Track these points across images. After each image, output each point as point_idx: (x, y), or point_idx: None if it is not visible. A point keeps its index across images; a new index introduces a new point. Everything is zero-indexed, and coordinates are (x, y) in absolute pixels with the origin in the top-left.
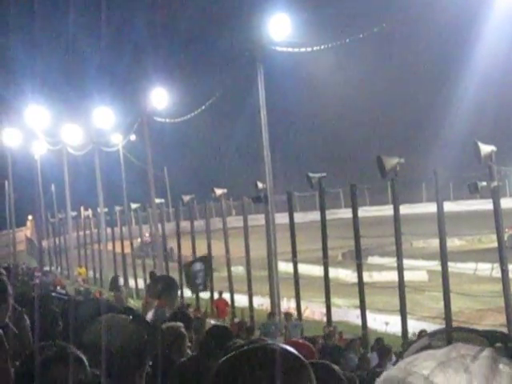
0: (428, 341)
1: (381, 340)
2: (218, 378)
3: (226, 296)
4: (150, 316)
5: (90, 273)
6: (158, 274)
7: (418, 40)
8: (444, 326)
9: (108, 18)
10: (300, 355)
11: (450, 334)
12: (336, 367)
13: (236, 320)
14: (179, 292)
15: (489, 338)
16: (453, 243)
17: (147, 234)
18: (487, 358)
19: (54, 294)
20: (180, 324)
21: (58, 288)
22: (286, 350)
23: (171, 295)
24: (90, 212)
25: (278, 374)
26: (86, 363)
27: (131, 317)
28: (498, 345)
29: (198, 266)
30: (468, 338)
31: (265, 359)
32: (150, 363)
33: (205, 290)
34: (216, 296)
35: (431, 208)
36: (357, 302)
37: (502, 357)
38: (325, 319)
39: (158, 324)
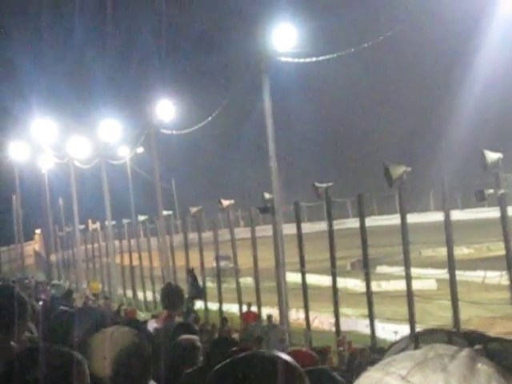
0: (408, 342)
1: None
2: None
3: (235, 307)
4: (159, 327)
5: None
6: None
7: (422, 47)
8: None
9: (114, 31)
10: (294, 362)
11: (429, 336)
12: (335, 374)
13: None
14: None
15: (468, 340)
16: (461, 251)
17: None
18: (465, 358)
19: (62, 307)
20: (195, 337)
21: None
22: (279, 357)
23: (179, 306)
24: (97, 225)
25: (270, 379)
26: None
27: (136, 330)
28: (478, 346)
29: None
30: (447, 340)
31: (257, 366)
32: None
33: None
34: (232, 308)
35: (439, 216)
36: (366, 311)
37: (480, 356)
38: (334, 329)
39: (164, 337)
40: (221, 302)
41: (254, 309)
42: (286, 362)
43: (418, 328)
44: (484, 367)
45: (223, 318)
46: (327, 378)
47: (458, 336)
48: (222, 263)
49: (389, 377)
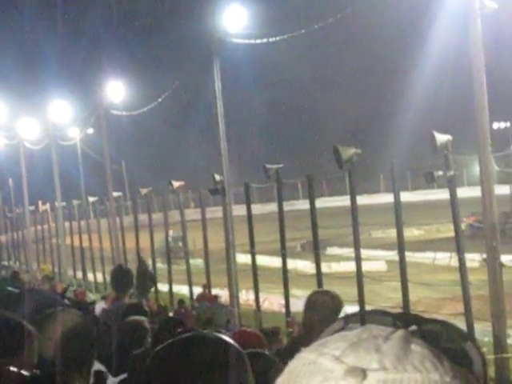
0: (343, 324)
1: None
2: (152, 367)
3: (185, 289)
4: (107, 308)
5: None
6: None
7: (372, 31)
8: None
9: (64, 11)
10: (235, 344)
11: (365, 317)
12: (272, 356)
13: (193, 312)
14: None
15: (403, 321)
16: (411, 233)
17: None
18: (399, 339)
19: (9, 288)
20: (143, 318)
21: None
22: (220, 339)
23: (128, 288)
24: (47, 206)
25: (209, 361)
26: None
27: (81, 311)
28: (413, 327)
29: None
30: (382, 321)
31: (197, 347)
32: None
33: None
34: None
35: (389, 198)
36: None
37: (414, 338)
38: (284, 310)
39: (112, 318)
40: (171, 284)
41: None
42: (226, 343)
43: (368, 309)
44: (418, 348)
45: (179, 300)
46: (264, 359)
47: (393, 317)
48: (178, 243)
49: (322, 357)
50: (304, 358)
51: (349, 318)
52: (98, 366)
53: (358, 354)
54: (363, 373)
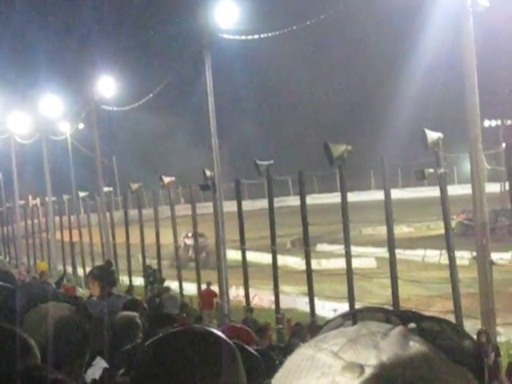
0: (341, 320)
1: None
2: (142, 361)
3: (175, 285)
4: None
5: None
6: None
7: (365, 26)
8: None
9: (55, 6)
10: (225, 338)
11: (364, 314)
12: (248, 347)
13: None
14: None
15: (402, 318)
16: (401, 230)
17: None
18: (398, 335)
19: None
20: (135, 314)
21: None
22: (211, 332)
23: (114, 283)
24: (38, 201)
25: (200, 354)
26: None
27: (74, 307)
28: (412, 325)
29: None
30: (381, 318)
31: (187, 341)
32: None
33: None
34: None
35: (379, 195)
36: (306, 289)
37: (412, 335)
38: (273, 306)
39: (104, 314)
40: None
41: (213, 287)
42: (218, 337)
43: (358, 306)
44: (416, 345)
45: (182, 303)
46: (245, 353)
47: (392, 314)
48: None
49: (321, 353)
50: (302, 354)
51: (347, 315)
52: (102, 363)
53: (356, 349)
54: (361, 368)
